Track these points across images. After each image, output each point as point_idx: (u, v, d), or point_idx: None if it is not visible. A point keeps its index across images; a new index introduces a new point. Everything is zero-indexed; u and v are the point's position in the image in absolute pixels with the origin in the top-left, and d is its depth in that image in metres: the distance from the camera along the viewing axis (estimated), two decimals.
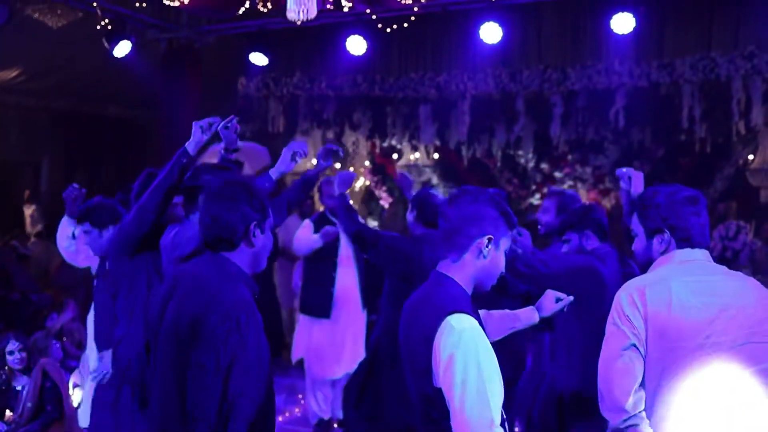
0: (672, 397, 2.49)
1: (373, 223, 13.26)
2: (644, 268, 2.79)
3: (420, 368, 2.33)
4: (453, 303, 2.34)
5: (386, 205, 13.62)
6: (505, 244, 2.51)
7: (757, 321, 2.52)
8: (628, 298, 2.58)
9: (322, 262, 6.53)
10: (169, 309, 2.50)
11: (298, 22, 4.88)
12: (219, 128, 3.84)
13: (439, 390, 2.28)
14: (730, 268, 7.80)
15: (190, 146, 3.72)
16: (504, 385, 2.29)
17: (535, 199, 13.19)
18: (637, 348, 2.54)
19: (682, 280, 2.56)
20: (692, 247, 2.66)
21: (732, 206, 11.03)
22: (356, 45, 8.71)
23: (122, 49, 7.75)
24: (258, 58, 8.88)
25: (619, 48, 8.85)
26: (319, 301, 6.48)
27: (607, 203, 12.81)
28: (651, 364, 2.53)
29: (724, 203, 11.37)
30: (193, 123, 3.80)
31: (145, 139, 13.62)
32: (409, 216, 4.77)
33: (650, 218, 2.70)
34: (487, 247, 2.44)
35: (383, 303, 4.99)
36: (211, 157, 5.18)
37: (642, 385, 2.56)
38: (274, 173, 4.07)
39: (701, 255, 2.67)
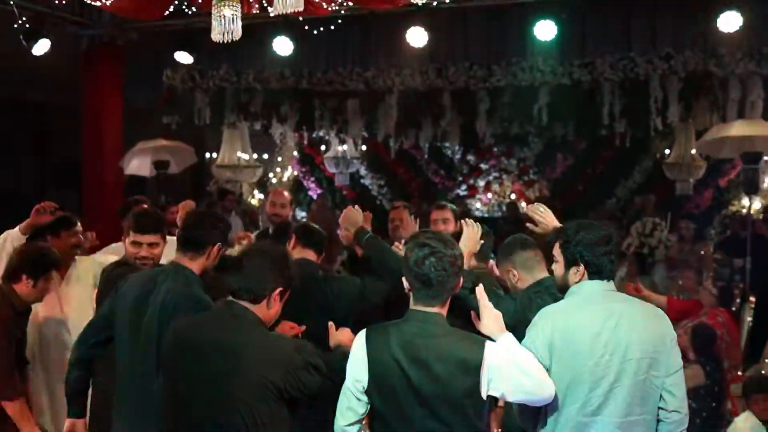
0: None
1: (301, 214, 13.28)
2: (562, 290, 3.15)
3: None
4: None
5: (314, 196, 13.65)
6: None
7: (642, 348, 2.90)
8: (541, 322, 2.96)
9: None
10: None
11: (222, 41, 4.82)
12: None
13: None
14: (646, 263, 8.10)
15: None
16: None
17: (462, 190, 13.42)
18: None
19: (588, 309, 2.95)
20: (601, 279, 3.03)
21: (650, 199, 11.41)
22: (283, 46, 8.68)
23: (41, 47, 7.53)
24: (183, 57, 8.75)
25: (543, 48, 9.04)
26: None
27: (531, 194, 13.13)
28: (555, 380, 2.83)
29: (641, 197, 11.77)
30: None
31: (66, 124, 13.26)
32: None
33: (570, 252, 3.05)
34: None
35: None
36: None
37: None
38: None
39: (608, 286, 3.05)
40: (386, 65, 9.94)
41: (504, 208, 13.04)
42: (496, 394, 2.69)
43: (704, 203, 11.72)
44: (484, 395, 2.64)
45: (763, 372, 5.65)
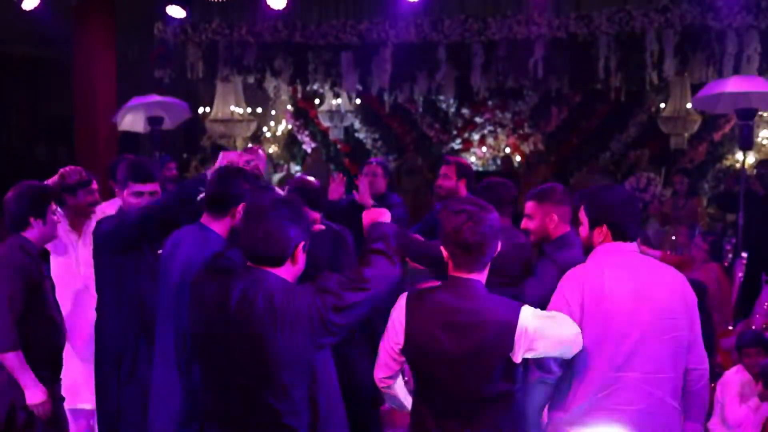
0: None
1: (295, 168, 13.26)
2: (586, 251, 3.21)
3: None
4: None
5: (309, 150, 13.60)
6: None
7: (667, 307, 2.99)
8: (571, 282, 3.02)
9: None
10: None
11: None
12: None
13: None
14: (640, 217, 8.10)
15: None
16: None
17: (456, 144, 13.39)
18: None
19: (614, 270, 3.00)
20: (624, 240, 3.09)
21: (644, 153, 11.43)
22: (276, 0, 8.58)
23: (31, 1, 7.43)
24: (175, 11, 8.65)
25: (539, 0, 8.96)
26: None
27: (526, 148, 13.13)
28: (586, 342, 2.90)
29: (635, 151, 11.78)
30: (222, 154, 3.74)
31: (57, 80, 13.13)
32: None
33: (594, 213, 3.13)
34: None
35: None
36: None
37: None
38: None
39: (631, 247, 3.11)
40: (380, 17, 9.87)
41: (498, 161, 13.04)
42: (532, 355, 2.74)
43: (698, 157, 11.73)
44: (518, 358, 2.70)
45: (753, 327, 5.73)
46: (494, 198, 3.54)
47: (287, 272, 2.67)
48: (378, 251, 2.75)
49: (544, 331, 2.71)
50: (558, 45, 9.54)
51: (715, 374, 5.60)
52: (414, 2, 9.10)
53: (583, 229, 3.19)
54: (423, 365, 2.79)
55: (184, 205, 3.62)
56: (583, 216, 3.18)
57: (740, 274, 6.60)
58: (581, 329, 2.85)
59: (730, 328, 6.11)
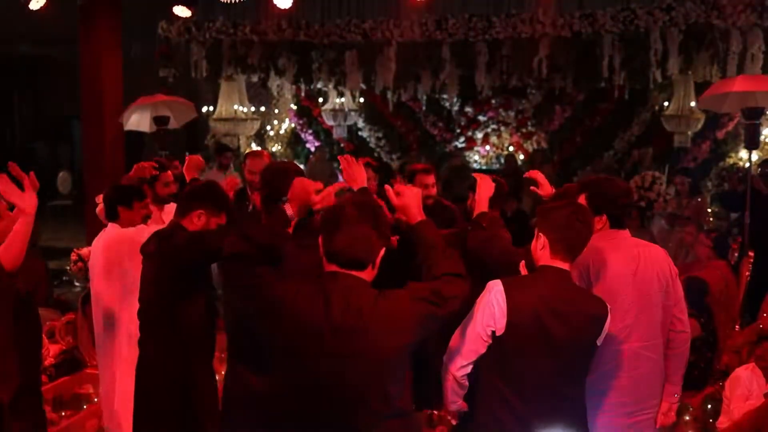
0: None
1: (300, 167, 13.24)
2: None
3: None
4: None
5: (312, 149, 13.62)
6: None
7: (657, 281, 3.40)
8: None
9: None
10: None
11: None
12: None
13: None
14: (644, 216, 8.13)
15: None
16: None
17: (460, 143, 13.41)
18: None
19: (616, 252, 3.36)
20: (620, 228, 3.46)
21: (648, 152, 11.44)
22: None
23: (37, 2, 7.44)
24: (182, 11, 8.66)
25: None
26: None
27: (529, 146, 13.14)
28: None
29: (639, 149, 11.79)
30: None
31: (60, 79, 13.15)
32: None
33: (594, 203, 3.38)
34: None
35: None
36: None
37: None
38: None
39: (626, 234, 3.49)
40: (384, 16, 9.89)
41: (502, 160, 13.04)
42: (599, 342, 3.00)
43: (702, 155, 11.74)
44: (599, 343, 2.98)
45: (761, 326, 5.73)
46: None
47: (369, 276, 2.68)
48: (455, 274, 2.76)
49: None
50: (562, 44, 9.57)
51: (722, 373, 5.62)
52: (418, 1, 9.11)
53: None
54: (520, 348, 2.91)
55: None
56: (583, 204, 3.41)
57: (747, 274, 6.61)
58: None
59: (737, 328, 6.12)
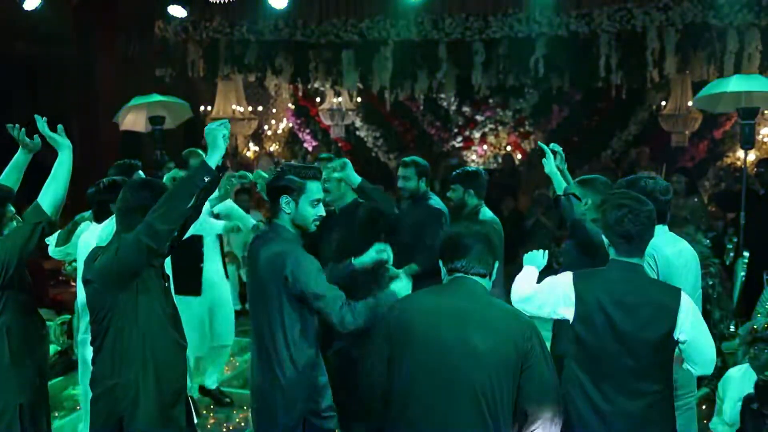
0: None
1: None
2: None
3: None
4: None
5: (310, 148, 13.61)
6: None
7: None
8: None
9: None
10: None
11: None
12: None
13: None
14: None
15: (213, 161, 3.19)
16: None
17: (457, 142, 13.39)
18: None
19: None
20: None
21: (645, 151, 11.42)
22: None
23: (33, 2, 7.43)
24: (177, 11, 8.64)
25: None
26: None
27: (527, 146, 13.12)
28: None
29: (636, 148, 11.78)
30: (210, 130, 3.21)
31: (54, 78, 13.09)
32: None
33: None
34: None
35: None
36: None
37: None
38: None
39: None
40: (381, 15, 9.87)
41: (499, 159, 13.03)
42: (681, 337, 3.01)
43: (699, 155, 11.74)
44: (676, 337, 3.01)
45: (755, 326, 5.72)
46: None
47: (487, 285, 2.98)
48: None
49: (692, 319, 3.02)
50: (559, 43, 9.54)
51: (715, 374, 5.59)
52: (415, 1, 9.10)
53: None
54: (591, 338, 3.05)
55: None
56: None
57: (742, 274, 6.61)
58: None
59: (732, 329, 6.10)
